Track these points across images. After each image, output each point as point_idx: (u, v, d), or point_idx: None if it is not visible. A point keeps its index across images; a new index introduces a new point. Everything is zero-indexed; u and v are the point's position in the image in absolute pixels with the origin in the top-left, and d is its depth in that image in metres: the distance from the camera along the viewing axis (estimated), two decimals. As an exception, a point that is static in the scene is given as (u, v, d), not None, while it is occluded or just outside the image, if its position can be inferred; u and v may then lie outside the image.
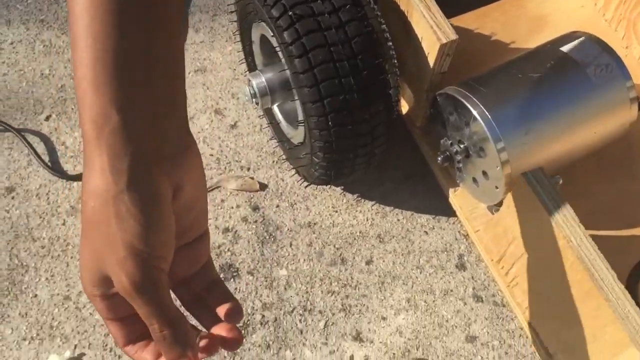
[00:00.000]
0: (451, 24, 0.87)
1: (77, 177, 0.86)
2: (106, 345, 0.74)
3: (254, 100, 0.77)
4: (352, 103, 0.67)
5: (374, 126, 0.70)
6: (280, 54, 0.71)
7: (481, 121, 0.65)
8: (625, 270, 0.66)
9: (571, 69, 0.67)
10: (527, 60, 0.70)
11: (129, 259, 0.36)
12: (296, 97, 0.71)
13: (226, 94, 0.94)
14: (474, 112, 0.65)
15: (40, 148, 0.89)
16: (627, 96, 0.67)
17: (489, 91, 0.67)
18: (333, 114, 0.67)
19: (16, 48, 0.97)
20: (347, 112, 0.67)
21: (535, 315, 0.68)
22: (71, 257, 0.80)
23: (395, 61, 0.74)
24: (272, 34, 0.71)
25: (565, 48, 0.68)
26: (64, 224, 0.83)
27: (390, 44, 0.73)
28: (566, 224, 0.57)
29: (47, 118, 0.91)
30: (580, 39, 0.69)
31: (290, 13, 0.66)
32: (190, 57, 0.97)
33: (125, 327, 0.40)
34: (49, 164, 0.87)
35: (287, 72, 0.71)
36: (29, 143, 0.88)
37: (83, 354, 0.74)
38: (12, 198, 0.85)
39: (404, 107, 0.82)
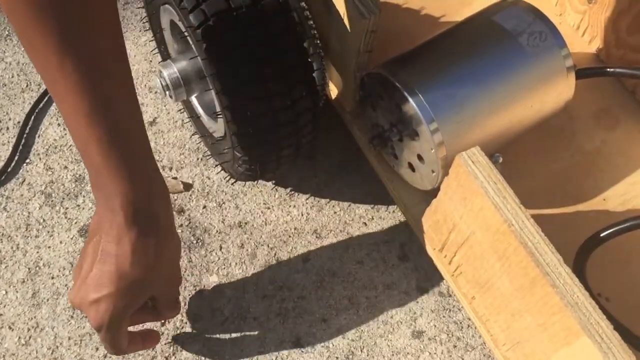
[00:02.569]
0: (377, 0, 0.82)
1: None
2: (17, 377, 0.67)
3: (167, 92, 0.70)
4: (270, 90, 0.61)
5: (298, 114, 0.64)
6: (189, 39, 0.64)
7: (412, 101, 0.59)
8: (573, 250, 0.62)
9: (503, 38, 0.62)
10: (457, 32, 0.65)
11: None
12: (211, 87, 0.64)
13: (143, 89, 0.87)
14: (404, 92, 0.60)
15: None
16: (563, 65, 0.63)
17: (419, 68, 0.62)
18: (250, 103, 0.61)
19: None
20: (265, 101, 0.61)
21: (482, 306, 0.63)
22: (-26, 281, 0.72)
23: (319, 42, 0.68)
24: (179, 18, 0.64)
25: (496, 17, 0.64)
26: (-36, 244, 0.74)
27: (312, 22, 0.67)
28: (506, 207, 0.53)
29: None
30: (511, 6, 0.64)
31: (196, -9, 0.59)
32: (101, 50, 0.89)
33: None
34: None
35: (199, 58, 0.64)
36: None
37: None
38: None
39: (333, 92, 0.76)
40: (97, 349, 0.69)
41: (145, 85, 0.87)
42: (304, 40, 0.63)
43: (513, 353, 0.61)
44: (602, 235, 0.58)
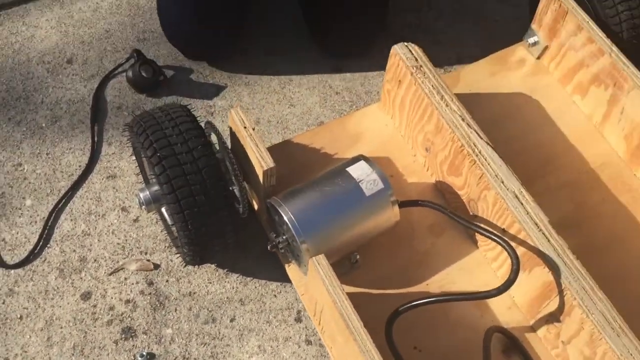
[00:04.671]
0: (291, 141, 1.20)
1: (16, 266, 1.14)
2: None
3: (142, 207, 1.07)
4: (203, 212, 0.98)
5: (223, 226, 1.01)
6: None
7: (289, 224, 0.96)
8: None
9: (351, 184, 0.99)
10: (325, 177, 1.02)
11: None
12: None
13: (131, 195, 1.24)
14: (285, 218, 0.97)
15: (-15, 244, 1.17)
16: (389, 201, 1.00)
17: (297, 201, 0.99)
18: (190, 220, 0.98)
19: (-35, 165, 1.24)
20: (200, 219, 0.98)
21: (336, 354, 0.98)
22: (9, 329, 1.07)
23: (242, 178, 1.06)
24: (147, 164, 1.02)
25: (349, 168, 1.01)
26: (3, 303, 1.10)
27: (236, 166, 1.04)
28: (334, 291, 0.88)
29: (-10, 220, 1.20)
30: (359, 161, 1.02)
31: (158, 154, 0.97)
32: (104, 166, 1.27)
33: None
34: (-8, 256, 1.15)
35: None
36: (-24, 241, 1.15)
37: None
38: (-37, 285, 1.12)
39: (256, 205, 1.13)
40: (88, 376, 1.04)
41: (132, 192, 1.24)
42: (229, 178, 1.01)
43: (350, 384, 0.96)
44: (399, 309, 0.94)
